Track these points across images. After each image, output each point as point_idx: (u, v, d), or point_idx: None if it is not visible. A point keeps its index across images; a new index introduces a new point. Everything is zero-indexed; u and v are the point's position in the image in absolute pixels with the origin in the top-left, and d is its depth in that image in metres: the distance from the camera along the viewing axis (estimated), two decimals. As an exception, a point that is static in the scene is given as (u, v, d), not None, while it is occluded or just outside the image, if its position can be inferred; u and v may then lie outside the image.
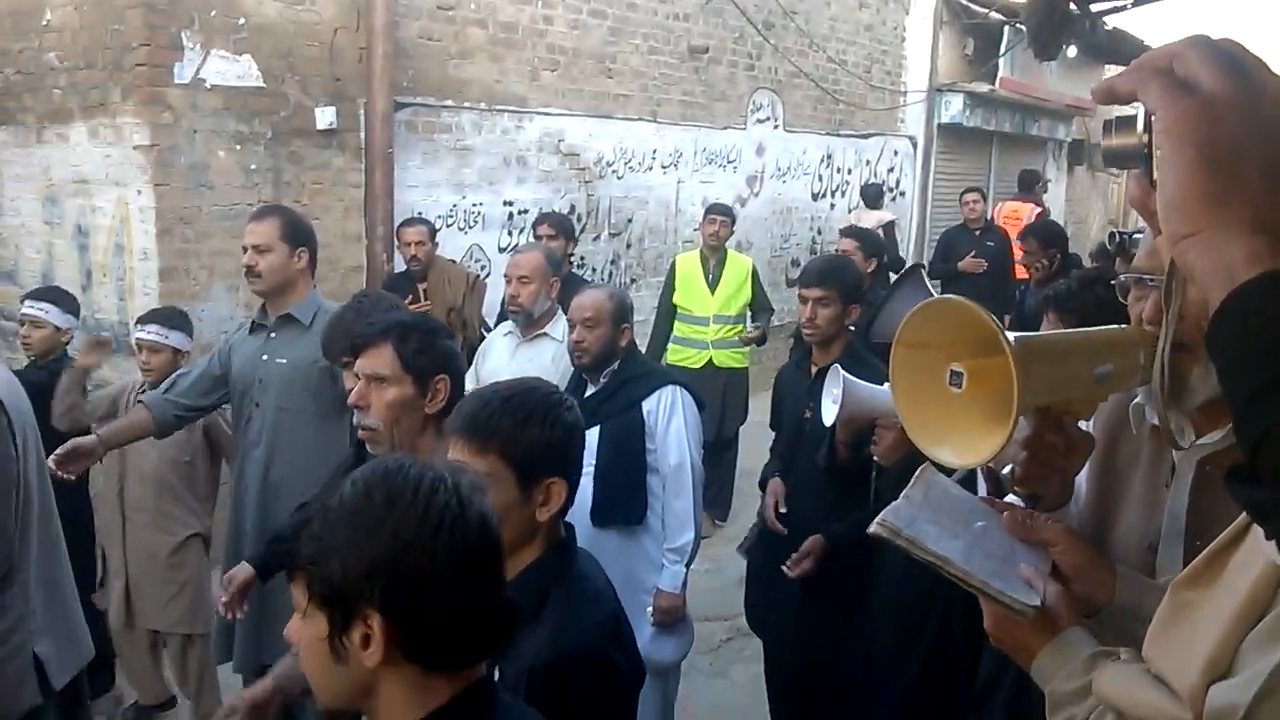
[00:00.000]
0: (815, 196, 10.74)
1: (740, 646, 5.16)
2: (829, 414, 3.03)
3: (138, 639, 4.27)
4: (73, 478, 3.31)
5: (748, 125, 9.65)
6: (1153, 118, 0.76)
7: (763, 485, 3.90)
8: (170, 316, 4.26)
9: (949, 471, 1.49)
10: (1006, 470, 1.55)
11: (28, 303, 4.27)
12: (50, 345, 4.25)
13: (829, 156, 10.84)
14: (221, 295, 5.58)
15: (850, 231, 5.96)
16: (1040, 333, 1.38)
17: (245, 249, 3.57)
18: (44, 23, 5.55)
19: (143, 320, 4.23)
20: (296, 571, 1.26)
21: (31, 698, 2.74)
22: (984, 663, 2.43)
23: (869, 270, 5.59)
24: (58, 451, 3.25)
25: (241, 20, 5.58)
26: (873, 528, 1.32)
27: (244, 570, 3.04)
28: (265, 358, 3.57)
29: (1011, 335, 1.23)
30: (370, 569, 1.20)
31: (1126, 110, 0.82)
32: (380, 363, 2.33)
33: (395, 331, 2.37)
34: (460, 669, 1.27)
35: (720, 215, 6.67)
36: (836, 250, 5.90)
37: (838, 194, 11.06)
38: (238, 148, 5.64)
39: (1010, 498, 1.58)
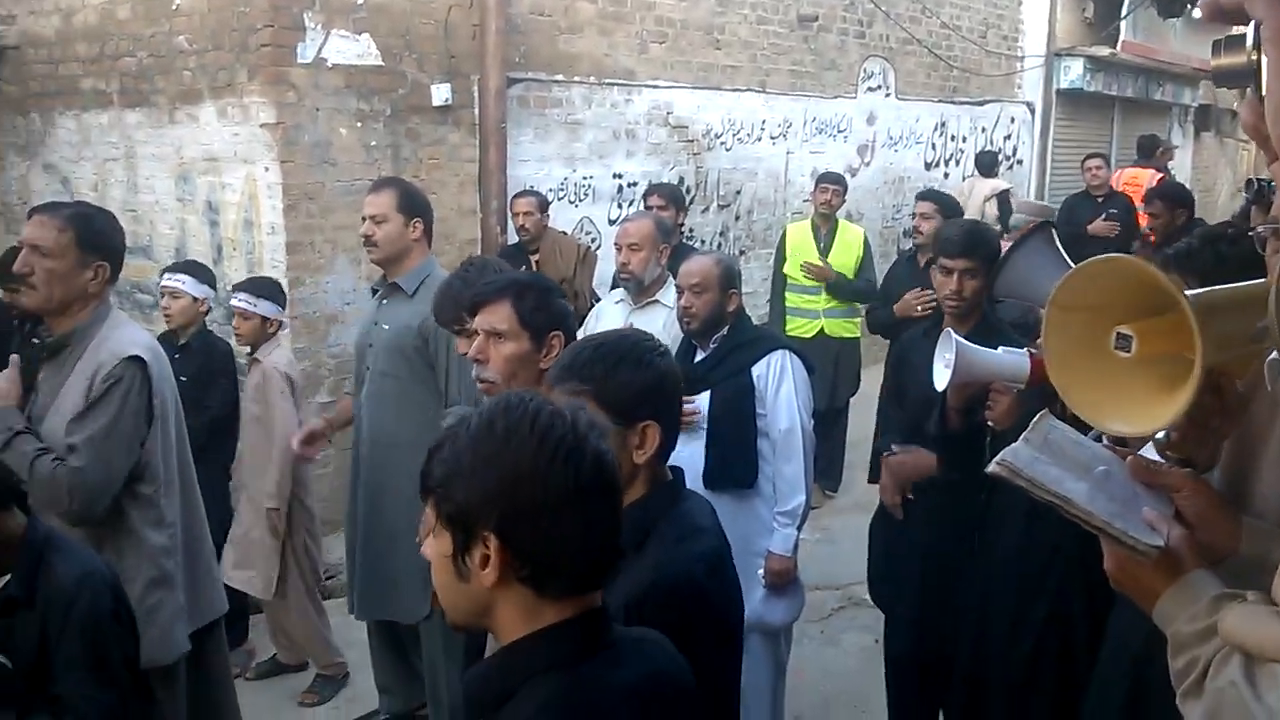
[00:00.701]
0: (928, 165, 10.54)
1: (852, 616, 5.15)
2: (941, 379, 3.00)
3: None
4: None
5: (858, 94, 9.51)
6: (1260, 28, 0.75)
7: (875, 459, 3.84)
8: (260, 285, 4.44)
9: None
10: (1161, 434, 1.51)
11: (166, 275, 4.50)
12: (189, 316, 4.46)
13: (942, 124, 10.61)
14: (344, 268, 5.77)
15: (928, 194, 5.78)
16: (1210, 289, 1.32)
17: (364, 219, 3.70)
18: (174, 7, 5.79)
19: (236, 288, 4.43)
20: (428, 492, 1.33)
21: (182, 644, 2.93)
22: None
23: None
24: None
25: (360, 1, 5.74)
26: (992, 467, 1.31)
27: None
28: (375, 323, 3.73)
29: (1189, 293, 1.18)
30: (488, 495, 1.27)
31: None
32: (499, 318, 2.41)
33: (513, 289, 2.45)
34: (569, 596, 1.33)
35: (832, 184, 6.61)
36: (913, 214, 5.75)
37: (952, 162, 10.83)
38: (358, 125, 5.81)
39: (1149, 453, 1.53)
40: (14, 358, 2.86)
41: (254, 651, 4.74)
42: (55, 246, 2.76)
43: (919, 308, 5.20)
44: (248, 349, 4.38)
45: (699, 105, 7.89)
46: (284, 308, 4.47)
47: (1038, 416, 1.46)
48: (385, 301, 3.75)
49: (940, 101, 10.50)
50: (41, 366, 2.93)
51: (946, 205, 5.59)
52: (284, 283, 5.41)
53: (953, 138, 10.80)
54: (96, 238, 2.84)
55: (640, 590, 1.67)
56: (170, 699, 2.91)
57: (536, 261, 5.79)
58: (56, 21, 6.41)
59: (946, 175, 10.69)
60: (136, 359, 2.78)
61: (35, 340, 4.58)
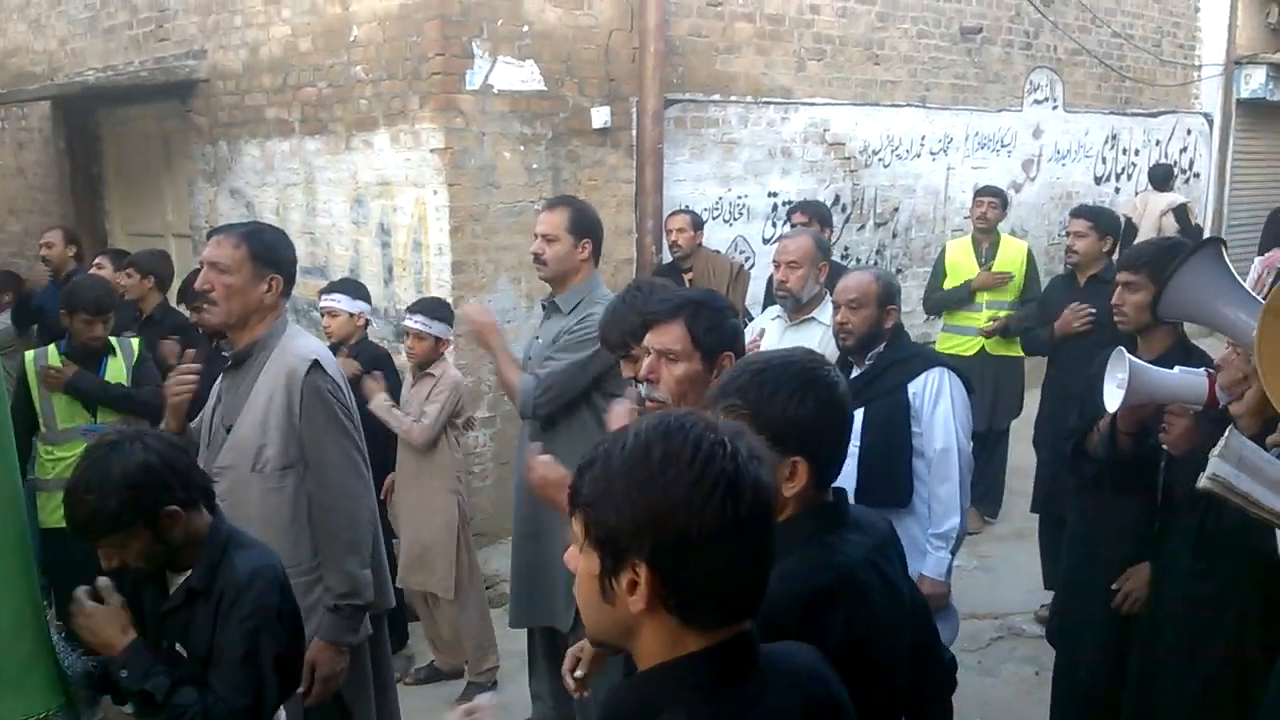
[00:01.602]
0: (1098, 180, 10.14)
1: (1011, 646, 4.98)
2: (1112, 400, 2.90)
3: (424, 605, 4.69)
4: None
5: (1024, 107, 9.24)
6: None
7: (1041, 485, 3.69)
8: (434, 307, 4.62)
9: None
10: None
11: (323, 297, 4.76)
12: (347, 330, 4.71)
13: (1114, 137, 10.20)
14: (506, 287, 5.96)
15: (1082, 210, 5.52)
16: None
17: (535, 236, 3.80)
18: (351, 39, 6.11)
19: (411, 309, 4.61)
20: (576, 508, 1.31)
21: (386, 600, 3.16)
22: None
23: (1104, 250, 5.27)
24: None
25: (525, 27, 5.93)
26: (1203, 482, 1.28)
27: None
28: (538, 339, 3.83)
29: None
30: (640, 524, 1.24)
31: None
32: (671, 338, 2.44)
33: (688, 309, 2.47)
34: (715, 626, 1.29)
35: (990, 196, 6.45)
36: (1067, 231, 5.53)
37: (1123, 177, 10.39)
38: (521, 149, 6.00)
39: None
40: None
41: (414, 657, 4.92)
42: (231, 262, 2.95)
43: (1077, 324, 5.03)
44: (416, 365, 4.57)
45: (857, 122, 7.81)
46: (453, 326, 4.65)
47: (1227, 433, 1.41)
48: (549, 319, 3.85)
49: (1111, 114, 10.10)
50: (224, 376, 3.13)
51: (1102, 222, 5.37)
52: (450, 303, 5.64)
53: (1124, 151, 10.36)
54: (269, 252, 3.02)
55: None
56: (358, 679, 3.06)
57: (690, 280, 5.84)
58: (244, 55, 6.86)
59: (1117, 190, 10.26)
60: (318, 363, 2.95)
61: (221, 354, 4.92)
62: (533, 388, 3.62)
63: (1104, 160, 10.17)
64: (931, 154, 8.47)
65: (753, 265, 6.90)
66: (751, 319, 5.47)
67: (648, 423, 1.32)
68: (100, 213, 8.81)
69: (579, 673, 2.27)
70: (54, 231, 6.79)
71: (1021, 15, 9.00)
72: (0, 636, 2.20)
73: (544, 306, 3.96)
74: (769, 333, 4.16)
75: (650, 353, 2.46)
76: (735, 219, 7.15)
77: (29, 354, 4.32)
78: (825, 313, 3.94)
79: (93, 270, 5.88)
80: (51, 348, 4.34)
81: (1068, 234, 5.44)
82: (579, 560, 1.33)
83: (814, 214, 5.62)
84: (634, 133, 6.44)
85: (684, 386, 2.42)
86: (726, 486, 1.23)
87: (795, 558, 1.66)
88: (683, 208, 6.37)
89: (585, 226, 3.79)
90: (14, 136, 9.52)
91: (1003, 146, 9.13)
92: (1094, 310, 4.90)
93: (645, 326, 2.52)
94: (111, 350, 4.40)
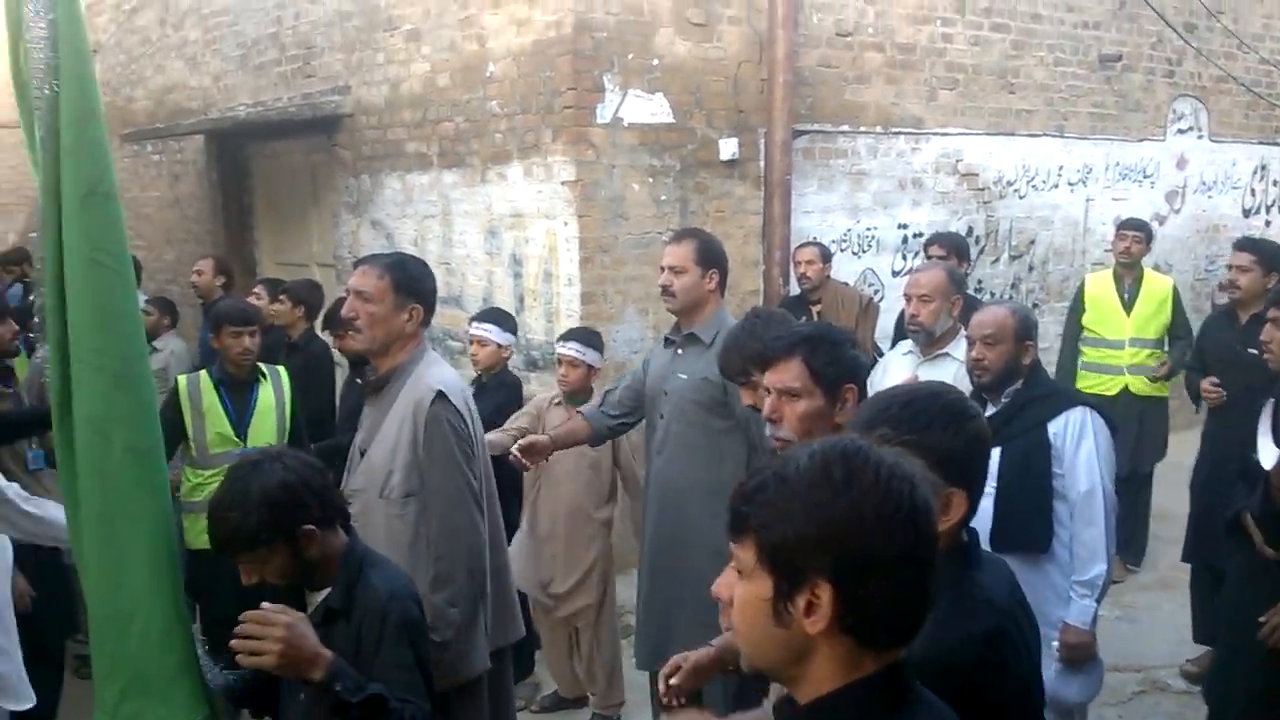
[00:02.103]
0: (1247, 213, 9.68)
1: (1155, 701, 4.75)
2: (1268, 456, 2.76)
3: (558, 635, 4.70)
4: (530, 467, 3.76)
5: (1167, 136, 8.90)
6: None
7: (1230, 524, 3.48)
8: (586, 335, 4.68)
9: None
10: None
11: (474, 325, 4.85)
12: (494, 360, 4.79)
13: (1263, 168, 9.73)
14: (633, 318, 6.01)
15: (1245, 243, 5.23)
16: None
17: (663, 269, 3.82)
18: (488, 75, 6.28)
19: (564, 337, 4.67)
20: (744, 533, 1.31)
21: (483, 661, 3.12)
22: None
23: (1268, 286, 4.98)
24: (520, 444, 3.72)
25: (655, 61, 6.00)
26: None
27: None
28: (671, 372, 3.81)
29: None
30: (825, 540, 1.24)
31: None
32: (791, 376, 2.41)
33: (804, 345, 2.45)
34: (887, 649, 1.30)
35: (1133, 230, 6.22)
36: (1228, 265, 5.26)
37: (1274, 209, 9.90)
38: (650, 180, 6.05)
39: None
40: None
41: (540, 684, 4.95)
42: (376, 291, 3.05)
43: (1210, 400, 4.92)
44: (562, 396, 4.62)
45: (990, 152, 7.65)
46: (603, 356, 4.71)
47: None
48: (681, 351, 3.83)
49: (1261, 143, 9.65)
50: (367, 402, 3.23)
51: (1268, 255, 5.11)
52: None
53: (1275, 183, 9.88)
54: (411, 283, 3.11)
55: (913, 660, 1.61)
56: (475, 716, 3.09)
57: (818, 312, 5.79)
58: (385, 91, 7.11)
59: (1268, 223, 9.78)
60: (443, 394, 3.00)
61: (359, 380, 5.07)
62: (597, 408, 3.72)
63: (1253, 192, 9.72)
64: (1070, 185, 8.23)
65: (882, 298, 6.79)
66: (881, 353, 5.39)
67: (821, 445, 1.33)
68: (250, 242, 9.23)
69: (675, 680, 2.24)
70: (205, 260, 7.13)
71: (1164, 42, 8.69)
72: (149, 649, 2.31)
73: (669, 340, 3.94)
74: (900, 368, 4.09)
75: (770, 392, 2.44)
76: (864, 251, 7.07)
77: (182, 378, 4.50)
78: (959, 348, 3.85)
79: (250, 299, 6.15)
80: (203, 373, 4.53)
81: (1229, 268, 5.21)
82: (739, 587, 1.33)
83: (951, 247, 5.51)
84: (762, 164, 6.44)
85: (808, 423, 2.39)
86: (910, 505, 1.26)
87: (950, 598, 1.64)
88: (811, 239, 6.33)
89: (712, 257, 3.79)
90: (170, 169, 10.06)
91: (1145, 177, 8.81)
92: (1254, 351, 4.66)
93: (764, 363, 2.50)
94: (262, 375, 4.56)
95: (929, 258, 5.50)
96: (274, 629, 2.13)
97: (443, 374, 3.12)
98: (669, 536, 3.72)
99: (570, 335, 4.69)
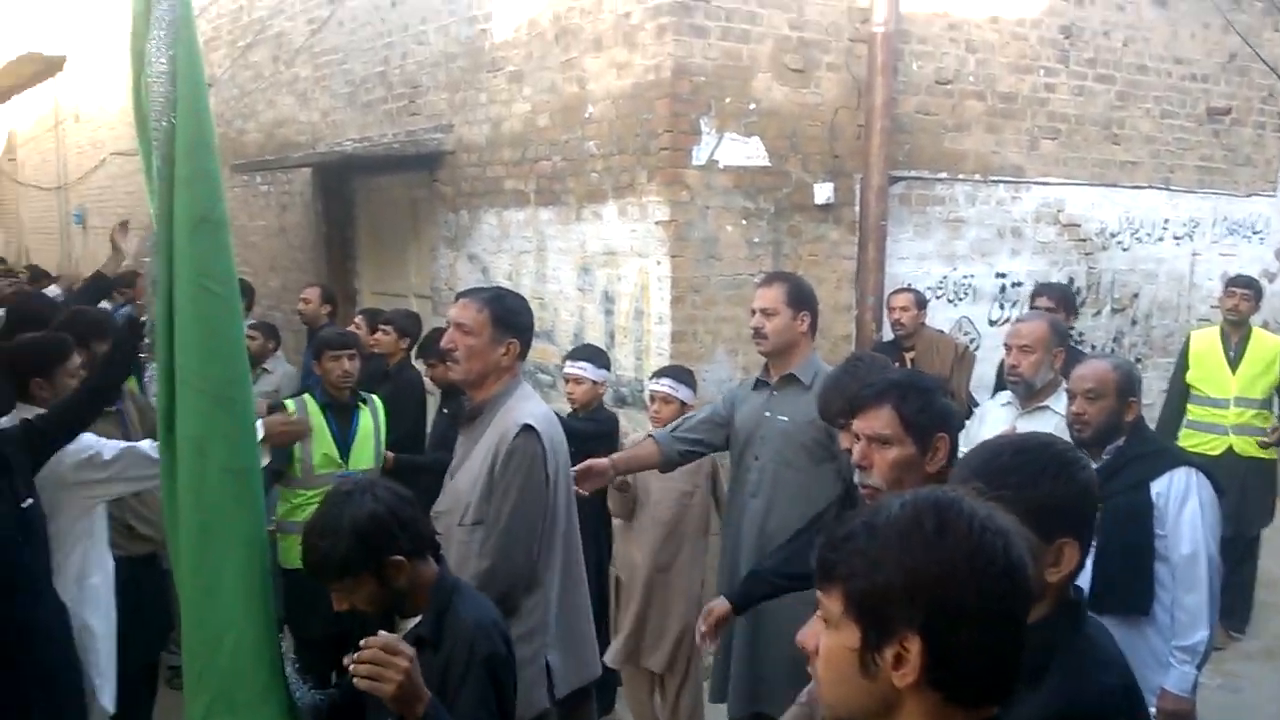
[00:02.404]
0: (1363, 271, 9.31)
1: (1260, 776, 4.54)
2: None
3: (639, 675, 4.67)
4: (586, 493, 3.68)
5: (1277, 191, 8.63)
6: None
7: None
8: (679, 373, 4.71)
9: None
10: None
11: (569, 363, 4.91)
12: (589, 397, 4.84)
13: (1382, 225, 9.36)
14: (723, 358, 6.00)
15: None
16: None
17: (754, 311, 3.83)
18: (586, 116, 6.38)
19: (657, 374, 4.71)
20: (832, 582, 1.30)
21: (541, 701, 3.11)
22: None
23: None
24: (578, 467, 3.62)
25: (752, 105, 6.04)
26: None
27: (721, 605, 3.23)
28: (767, 414, 3.79)
29: None
30: (915, 591, 1.23)
31: None
32: (881, 423, 2.40)
33: (895, 392, 2.43)
34: (977, 706, 1.27)
35: (1242, 288, 6.05)
36: None
37: (1393, 267, 9.50)
38: (743, 222, 6.07)
39: None
40: None
41: (619, 721, 4.94)
42: (475, 324, 3.11)
43: None
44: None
45: (1093, 203, 7.50)
46: (696, 394, 4.72)
47: None
48: (776, 393, 3.82)
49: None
50: (461, 431, 3.28)
51: None
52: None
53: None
54: (509, 317, 3.16)
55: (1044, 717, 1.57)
56: None
57: (911, 359, 5.73)
58: (487, 129, 7.27)
59: (1388, 282, 9.39)
60: (530, 428, 3.03)
61: (445, 410, 5.15)
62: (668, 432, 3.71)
63: (1371, 250, 9.35)
64: (1175, 238, 8.02)
65: (978, 347, 6.69)
66: (976, 404, 5.30)
67: (913, 495, 1.32)
68: (351, 272, 9.47)
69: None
70: (312, 288, 7.36)
71: (1275, 96, 8.46)
72: (239, 666, 2.37)
73: (761, 382, 3.93)
74: (998, 419, 4.01)
75: (860, 438, 2.42)
76: (960, 299, 6.97)
77: (290, 401, 4.65)
78: (1059, 402, 3.77)
79: (350, 328, 6.32)
80: (307, 395, 4.67)
81: None
82: (825, 637, 1.32)
83: (1059, 299, 5.42)
84: (857, 209, 6.41)
85: (897, 471, 2.37)
86: (1005, 560, 1.24)
87: (1072, 654, 1.63)
88: (906, 285, 6.27)
89: (803, 300, 3.80)
90: (278, 199, 10.40)
91: (1254, 233, 8.55)
92: None
93: (855, 409, 2.48)
94: (363, 401, 4.69)
95: (1035, 308, 5.40)
96: (399, 659, 2.14)
97: (534, 409, 3.15)
98: None
99: (664, 372, 4.73)
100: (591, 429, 4.68)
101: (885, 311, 6.09)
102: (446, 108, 7.67)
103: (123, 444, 3.62)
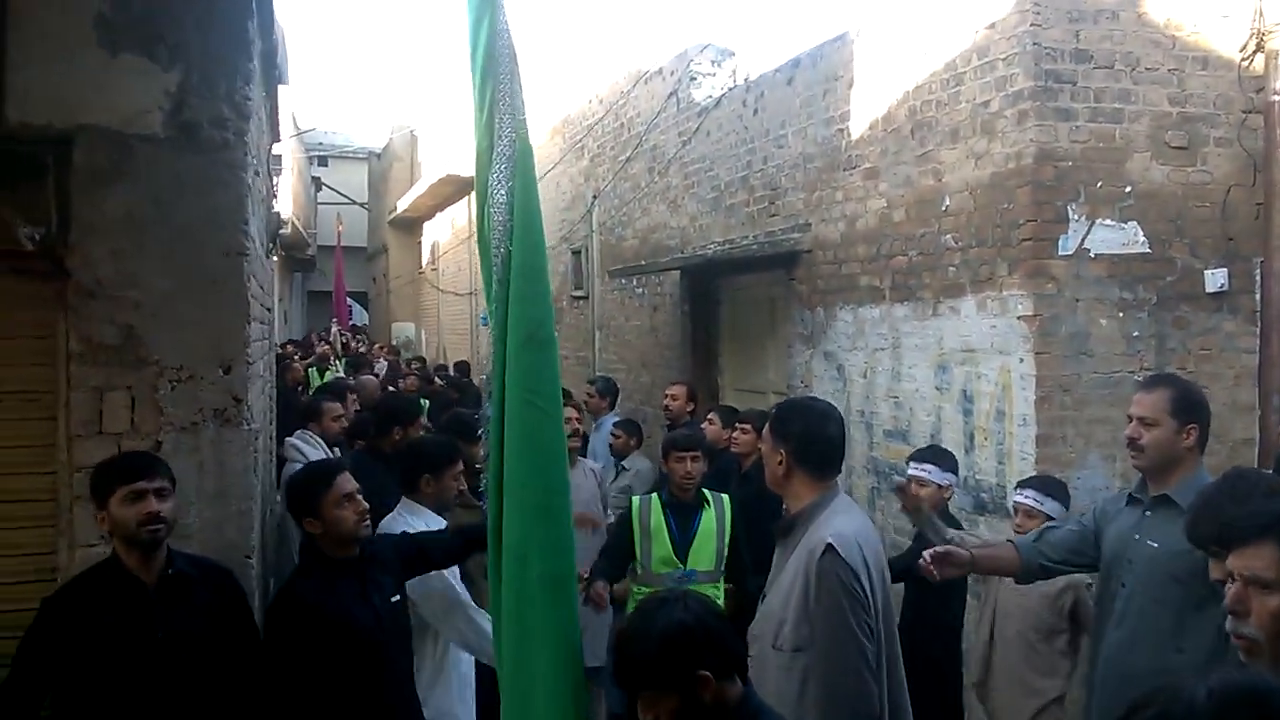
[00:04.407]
0: None
1: None
2: None
3: None
4: (938, 577, 3.45)
5: None
6: None
7: None
8: (1047, 483, 4.39)
9: None
10: None
11: (912, 464, 4.73)
12: (934, 501, 4.62)
13: None
14: (1097, 464, 5.51)
15: None
16: None
17: (1130, 419, 3.46)
18: (943, 208, 6.20)
19: (1021, 485, 4.41)
20: None
21: None
22: None
23: None
24: (936, 550, 3.46)
25: (1128, 189, 5.60)
26: None
27: None
28: (1137, 537, 3.39)
29: None
30: None
31: None
32: (1262, 563, 2.04)
33: None
34: None
35: None
36: None
37: None
38: (1119, 315, 5.59)
39: None
40: None
41: None
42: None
43: None
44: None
45: None
46: (1068, 508, 4.40)
47: None
48: (1150, 514, 3.42)
49: None
50: (777, 544, 3.18)
51: None
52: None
53: None
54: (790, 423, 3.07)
55: None
56: None
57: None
58: (842, 227, 7.27)
59: None
60: (832, 548, 2.84)
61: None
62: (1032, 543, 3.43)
63: None
64: None
65: None
66: None
67: (1220, 682, 1.12)
68: (715, 369, 9.76)
69: None
70: (678, 386, 7.65)
71: None
72: None
73: (1134, 499, 3.54)
74: None
75: (1235, 578, 2.07)
76: (1395, 397, 5.96)
77: (636, 499, 4.82)
78: None
79: (704, 425, 6.49)
80: (655, 495, 4.82)
81: None
82: None
83: None
84: (1257, 296, 5.71)
85: (1279, 623, 2.00)
86: None
87: None
88: (1321, 383, 5.46)
89: (1191, 409, 3.37)
90: (650, 300, 10.98)
91: None
92: None
93: (1228, 541, 2.13)
94: (706, 501, 4.77)
95: None
96: None
97: (841, 524, 2.97)
98: None
99: (1029, 482, 4.44)
100: None
101: (1294, 413, 5.33)
102: (804, 207, 7.77)
103: (469, 606, 3.89)
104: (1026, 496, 4.35)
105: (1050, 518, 4.23)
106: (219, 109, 3.49)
